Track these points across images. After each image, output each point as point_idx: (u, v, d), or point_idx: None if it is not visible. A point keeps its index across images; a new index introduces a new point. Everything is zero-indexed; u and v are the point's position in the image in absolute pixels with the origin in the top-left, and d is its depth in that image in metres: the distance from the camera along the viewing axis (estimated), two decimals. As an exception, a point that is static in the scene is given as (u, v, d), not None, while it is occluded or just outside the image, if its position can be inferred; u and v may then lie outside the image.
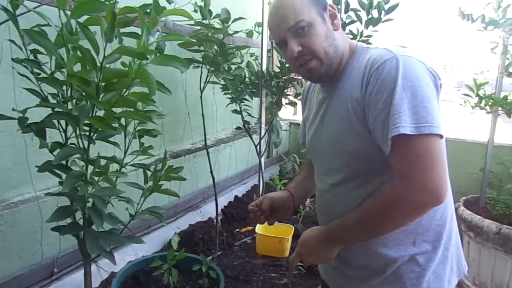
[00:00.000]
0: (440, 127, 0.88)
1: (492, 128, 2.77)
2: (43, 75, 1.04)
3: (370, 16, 2.30)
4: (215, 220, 2.47)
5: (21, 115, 1.06)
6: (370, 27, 2.34)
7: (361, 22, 2.35)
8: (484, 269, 2.51)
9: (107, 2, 0.89)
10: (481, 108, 2.68)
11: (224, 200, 3.16)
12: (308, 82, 1.32)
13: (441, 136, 0.89)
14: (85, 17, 0.95)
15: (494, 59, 2.71)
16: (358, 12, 2.33)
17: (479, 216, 2.51)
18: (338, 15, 1.07)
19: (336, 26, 1.06)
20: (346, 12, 2.37)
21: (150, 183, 1.30)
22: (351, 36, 2.36)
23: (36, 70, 1.03)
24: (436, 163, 0.88)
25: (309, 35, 1.01)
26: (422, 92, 0.89)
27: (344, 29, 1.08)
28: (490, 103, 2.64)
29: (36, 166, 1.06)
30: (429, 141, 0.88)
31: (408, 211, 0.90)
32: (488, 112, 2.70)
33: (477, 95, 2.66)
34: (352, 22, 2.37)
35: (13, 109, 1.12)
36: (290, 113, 4.67)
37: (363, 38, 2.39)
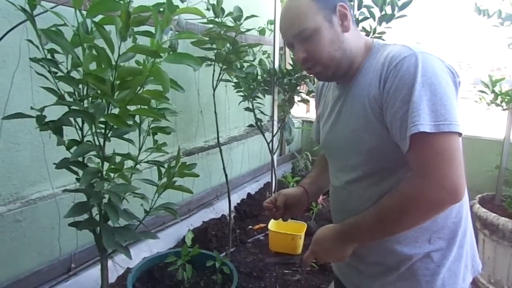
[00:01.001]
0: (459, 125, 0.87)
1: (509, 125, 2.73)
2: (60, 74, 1.05)
3: (383, 13, 2.28)
4: (228, 217, 2.49)
5: (39, 113, 1.08)
6: (383, 23, 2.33)
7: (374, 19, 2.33)
8: (500, 268, 2.47)
9: (121, 2, 0.90)
10: (497, 105, 2.64)
11: (236, 197, 3.17)
12: (322, 79, 1.32)
13: (460, 134, 0.88)
14: (100, 16, 0.96)
15: (511, 55, 2.67)
16: (371, 9, 2.31)
17: (494, 214, 2.48)
18: (350, 14, 1.05)
19: (346, 27, 1.04)
20: (359, 8, 2.36)
21: (164, 179, 1.31)
22: (364, 33, 2.34)
23: (53, 69, 1.05)
24: (455, 161, 0.87)
25: (314, 42, 1.02)
26: (442, 90, 0.88)
27: (357, 26, 1.07)
28: (506, 100, 2.59)
29: (54, 163, 1.07)
30: (448, 139, 0.87)
31: (426, 209, 0.90)
32: (504, 109, 2.65)
33: (493, 91, 2.62)
34: (365, 18, 2.36)
35: (31, 108, 1.14)
36: (302, 111, 4.66)
37: (376, 35, 2.37)
